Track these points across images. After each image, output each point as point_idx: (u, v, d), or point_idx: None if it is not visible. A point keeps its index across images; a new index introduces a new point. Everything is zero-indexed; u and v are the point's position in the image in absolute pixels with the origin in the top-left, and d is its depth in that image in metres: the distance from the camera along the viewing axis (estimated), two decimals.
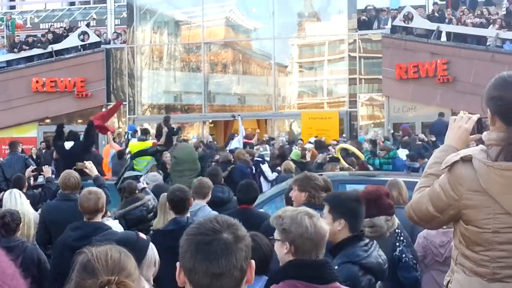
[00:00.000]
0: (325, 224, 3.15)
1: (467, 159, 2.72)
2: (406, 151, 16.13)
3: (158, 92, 28.73)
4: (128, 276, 2.03)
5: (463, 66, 21.89)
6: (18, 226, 5.86)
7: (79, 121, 27.52)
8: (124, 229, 6.29)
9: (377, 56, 25.28)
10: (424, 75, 22.93)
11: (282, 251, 3.19)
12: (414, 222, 3.02)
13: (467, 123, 3.02)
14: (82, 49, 26.88)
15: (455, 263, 2.89)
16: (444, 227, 3.17)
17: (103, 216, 6.58)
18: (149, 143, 14.62)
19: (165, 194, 7.01)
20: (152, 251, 3.69)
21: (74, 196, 6.77)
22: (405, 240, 5.26)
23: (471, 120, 3.03)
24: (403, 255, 5.14)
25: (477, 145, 2.87)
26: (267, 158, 14.33)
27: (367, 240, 4.04)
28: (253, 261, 2.00)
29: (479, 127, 3.01)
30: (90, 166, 8.09)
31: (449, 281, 2.95)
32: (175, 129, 16.38)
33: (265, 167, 13.43)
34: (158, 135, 15.79)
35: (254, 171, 13.25)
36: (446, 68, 22.44)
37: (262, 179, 13.18)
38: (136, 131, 18.12)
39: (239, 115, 20.41)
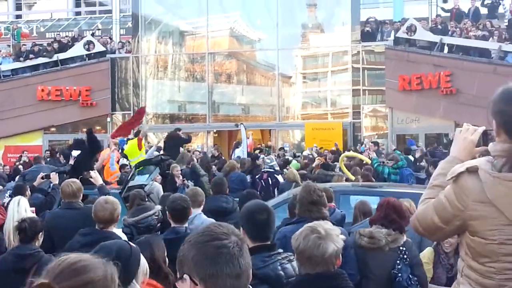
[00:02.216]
0: (331, 243, 3.13)
1: (473, 170, 2.73)
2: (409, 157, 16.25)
3: (163, 102, 28.82)
4: (81, 285, 1.94)
5: (466, 78, 21.94)
6: (37, 234, 5.69)
7: (84, 129, 27.53)
8: (134, 237, 6.34)
9: (380, 67, 25.36)
10: (428, 86, 23.00)
11: None
12: (419, 233, 3.04)
13: (473, 134, 3.04)
14: (87, 58, 27.01)
15: (461, 275, 2.89)
16: None
17: None
18: (134, 141, 14.84)
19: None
20: (143, 259, 3.72)
21: (77, 204, 6.80)
22: (408, 259, 5.31)
23: (477, 132, 3.05)
24: (399, 274, 5.22)
25: (483, 156, 2.88)
26: (277, 168, 14.43)
27: (274, 252, 4.01)
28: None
29: (485, 139, 3.03)
30: (95, 176, 8.12)
31: None
32: (187, 138, 16.90)
33: (280, 178, 13.56)
34: (167, 147, 16.04)
35: (269, 182, 13.40)
36: (449, 80, 22.50)
37: (276, 190, 13.28)
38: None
39: (241, 123, 20.41)
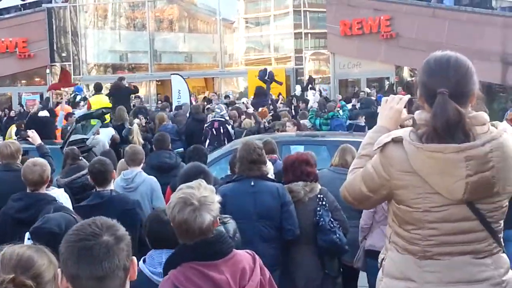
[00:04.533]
0: (207, 213, 3.10)
1: (398, 140, 2.78)
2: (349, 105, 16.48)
3: (104, 51, 28.30)
4: (35, 277, 1.98)
5: (405, 22, 22.19)
6: None
7: (23, 81, 27.01)
8: (70, 197, 6.32)
9: (322, 10, 25.36)
10: (368, 31, 23.18)
11: None
12: (348, 202, 3.10)
13: (398, 103, 3.10)
14: (22, 9, 26.22)
15: (389, 241, 2.98)
16: None
17: (48, 186, 6.59)
18: (105, 99, 14.67)
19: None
20: None
21: (16, 166, 6.69)
22: (327, 205, 5.53)
23: (402, 101, 3.10)
24: (321, 219, 5.45)
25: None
26: (227, 118, 14.47)
27: None
28: (134, 258, 2.07)
29: (410, 107, 3.11)
30: (32, 135, 7.98)
31: (383, 259, 3.04)
32: (133, 88, 16.69)
33: (230, 128, 13.63)
34: (113, 94, 15.87)
35: (221, 131, 13.43)
36: (389, 24, 22.72)
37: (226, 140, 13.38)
38: (79, 101, 17.86)
39: (175, 73, 20.06)
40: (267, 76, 18.76)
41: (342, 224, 5.61)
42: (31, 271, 1.99)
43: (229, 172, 7.14)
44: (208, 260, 3.03)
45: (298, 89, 21.71)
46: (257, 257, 3.18)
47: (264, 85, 18.58)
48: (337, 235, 5.46)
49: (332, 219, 5.49)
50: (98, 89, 15.74)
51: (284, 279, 5.53)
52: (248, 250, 3.23)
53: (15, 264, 1.98)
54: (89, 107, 14.46)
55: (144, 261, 3.69)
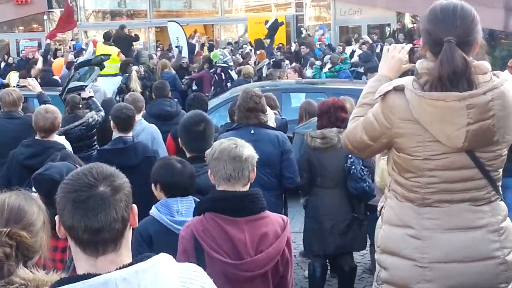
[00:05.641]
0: (246, 148, 3.11)
1: (399, 89, 2.79)
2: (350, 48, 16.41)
3: None
4: (28, 227, 1.97)
5: None
6: None
7: (21, 28, 26.76)
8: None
9: None
10: None
11: None
12: (349, 150, 3.14)
13: (400, 52, 3.11)
14: None
15: (389, 190, 3.03)
16: None
17: None
18: (116, 50, 14.80)
19: None
20: None
21: (17, 113, 6.72)
22: None
23: (404, 50, 3.12)
24: (353, 167, 5.49)
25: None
26: (231, 63, 14.60)
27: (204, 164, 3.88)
28: (134, 206, 1.97)
29: (411, 56, 3.11)
30: (33, 83, 7.96)
31: (382, 207, 3.09)
32: (134, 36, 17.49)
33: (233, 74, 13.75)
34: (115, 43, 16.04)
35: (223, 77, 13.62)
36: None
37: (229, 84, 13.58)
38: (83, 49, 17.69)
39: (171, 20, 19.98)
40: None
41: (371, 170, 5.63)
42: (23, 221, 1.99)
43: (228, 120, 7.19)
44: (230, 215, 3.03)
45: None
46: (288, 226, 3.15)
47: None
48: (367, 183, 5.53)
49: (362, 167, 5.54)
50: (107, 38, 15.97)
51: (311, 222, 5.72)
52: (283, 216, 3.20)
53: (8, 216, 1.97)
54: (95, 45, 14.68)
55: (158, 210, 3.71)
